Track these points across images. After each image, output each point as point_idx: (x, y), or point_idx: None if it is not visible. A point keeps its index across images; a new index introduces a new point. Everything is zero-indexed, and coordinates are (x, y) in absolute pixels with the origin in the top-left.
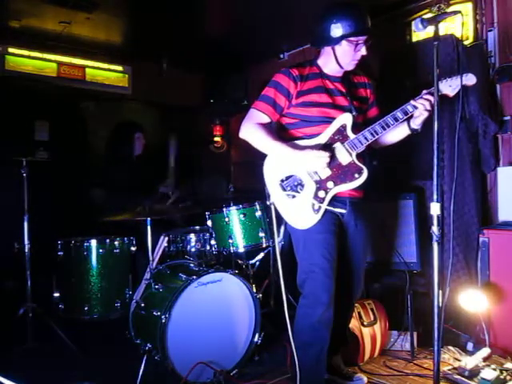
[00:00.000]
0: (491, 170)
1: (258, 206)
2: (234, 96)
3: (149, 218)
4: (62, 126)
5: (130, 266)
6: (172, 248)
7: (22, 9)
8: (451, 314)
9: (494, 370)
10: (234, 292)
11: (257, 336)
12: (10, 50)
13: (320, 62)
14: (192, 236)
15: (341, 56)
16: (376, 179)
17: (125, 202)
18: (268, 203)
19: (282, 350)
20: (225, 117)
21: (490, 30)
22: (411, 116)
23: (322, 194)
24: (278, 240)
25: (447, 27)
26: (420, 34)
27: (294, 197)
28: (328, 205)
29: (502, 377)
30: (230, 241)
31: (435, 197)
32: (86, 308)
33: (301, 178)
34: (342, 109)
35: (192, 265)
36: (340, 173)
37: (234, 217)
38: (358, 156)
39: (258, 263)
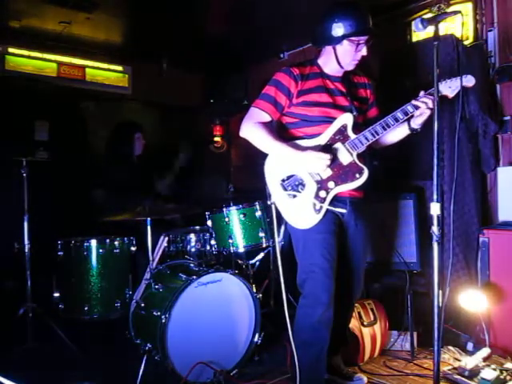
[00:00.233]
0: (491, 169)
1: (258, 206)
2: (234, 96)
3: (149, 218)
4: (62, 126)
5: (129, 266)
6: (172, 248)
7: (21, 9)
8: (451, 313)
9: (494, 369)
10: (234, 292)
11: (257, 336)
12: (10, 49)
13: (320, 61)
14: (192, 236)
15: (341, 56)
16: (376, 179)
17: (125, 202)
18: (269, 203)
19: (281, 350)
20: (225, 117)
21: (490, 30)
22: (411, 116)
23: (323, 193)
24: (278, 240)
25: (447, 27)
26: (420, 33)
27: (294, 196)
28: (329, 205)
29: (502, 377)
30: (230, 241)
31: (435, 197)
32: (85, 308)
33: (302, 178)
34: (343, 109)
35: (192, 265)
36: (341, 173)
37: (234, 217)
38: (359, 156)
39: (257, 263)
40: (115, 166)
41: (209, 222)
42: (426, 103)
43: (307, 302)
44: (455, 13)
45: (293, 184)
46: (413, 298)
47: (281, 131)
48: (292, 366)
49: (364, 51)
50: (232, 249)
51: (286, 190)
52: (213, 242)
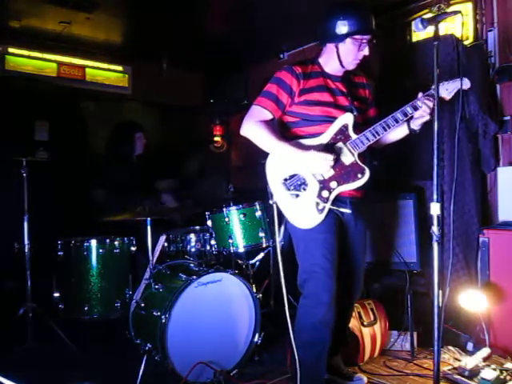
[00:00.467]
0: (491, 169)
1: (258, 206)
2: (234, 96)
3: (149, 218)
4: (62, 126)
5: (129, 266)
6: (172, 248)
7: (22, 9)
8: (451, 313)
9: (494, 369)
10: (234, 292)
11: (257, 336)
12: (10, 49)
13: (321, 60)
14: (192, 236)
15: (344, 54)
16: (376, 179)
17: (125, 202)
18: (271, 202)
19: (281, 350)
20: (225, 117)
21: (490, 30)
22: (411, 117)
23: (325, 193)
24: (279, 240)
25: (447, 27)
26: (420, 33)
27: (297, 196)
28: (331, 204)
29: (502, 377)
30: (230, 241)
31: (435, 197)
32: (86, 308)
33: (304, 178)
34: (344, 108)
35: (192, 265)
36: (343, 173)
37: (234, 217)
38: (360, 156)
39: (257, 263)
40: (115, 165)
41: (209, 222)
42: (427, 105)
43: (308, 302)
44: (455, 13)
45: (295, 184)
46: (413, 298)
47: (281, 130)
48: (292, 366)
49: (366, 51)
50: (232, 249)
51: (288, 189)
52: (213, 242)
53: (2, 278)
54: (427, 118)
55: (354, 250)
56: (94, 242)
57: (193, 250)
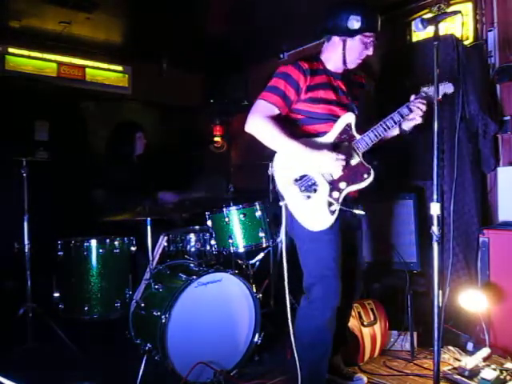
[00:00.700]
0: (491, 169)
1: (258, 206)
2: (234, 96)
3: (149, 218)
4: (62, 126)
5: (129, 266)
6: (172, 248)
7: (22, 9)
8: (451, 313)
9: (494, 369)
10: (234, 292)
11: (257, 336)
12: (10, 49)
13: (323, 57)
14: (192, 236)
15: (349, 51)
16: (376, 179)
17: (125, 202)
18: (281, 204)
19: (282, 350)
20: (225, 117)
21: (490, 30)
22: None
23: (335, 194)
24: (279, 240)
25: (447, 27)
26: (420, 33)
27: (308, 198)
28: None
29: (502, 377)
30: (230, 241)
31: (435, 197)
32: (86, 308)
33: (314, 178)
34: (345, 107)
35: (192, 265)
36: (351, 173)
37: (234, 217)
38: (363, 156)
39: (257, 263)
40: (115, 165)
41: (209, 222)
42: (419, 108)
43: (315, 305)
44: (455, 13)
45: (306, 184)
46: (413, 298)
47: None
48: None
49: (371, 51)
50: (232, 249)
51: (300, 190)
52: (213, 242)
53: (2, 277)
54: (419, 120)
55: (354, 249)
56: (93, 242)
57: (193, 249)
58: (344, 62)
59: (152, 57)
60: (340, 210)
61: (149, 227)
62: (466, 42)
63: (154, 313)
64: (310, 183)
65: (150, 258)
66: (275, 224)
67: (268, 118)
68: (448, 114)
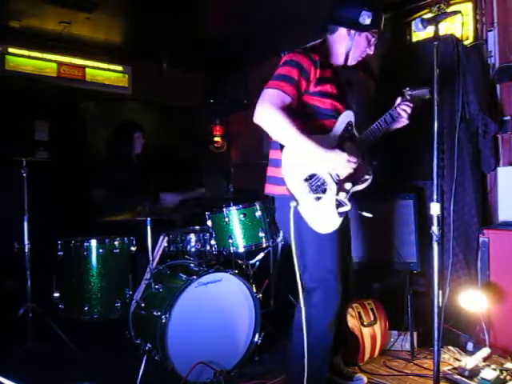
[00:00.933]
0: (491, 169)
1: (257, 206)
2: (234, 96)
3: (149, 218)
4: (62, 126)
5: (129, 266)
6: (172, 248)
7: (22, 9)
8: (451, 313)
9: (494, 369)
10: (234, 292)
11: (257, 336)
12: (10, 49)
13: (325, 50)
14: (192, 236)
15: (355, 46)
16: (376, 179)
17: (125, 202)
18: (292, 204)
19: (282, 350)
20: (225, 117)
21: (490, 30)
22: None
23: (342, 195)
24: (278, 240)
25: (447, 27)
26: (420, 33)
27: (318, 199)
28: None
29: (502, 377)
30: (230, 241)
31: (435, 197)
32: (86, 308)
33: (324, 178)
34: (346, 103)
35: (192, 265)
36: (354, 173)
37: (234, 217)
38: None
39: (257, 263)
40: (115, 165)
41: (209, 222)
42: (405, 111)
43: (316, 310)
44: (455, 13)
45: (316, 185)
46: (413, 298)
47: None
48: (290, 369)
49: (372, 49)
50: (232, 249)
51: (311, 190)
52: (213, 242)
53: (2, 277)
54: (406, 122)
55: (346, 249)
56: (93, 242)
57: (193, 250)
58: (346, 58)
59: (152, 57)
60: (366, 214)
61: (149, 227)
62: (466, 42)
63: (154, 313)
64: (319, 183)
65: (150, 258)
66: (275, 224)
67: (281, 110)
68: (448, 114)
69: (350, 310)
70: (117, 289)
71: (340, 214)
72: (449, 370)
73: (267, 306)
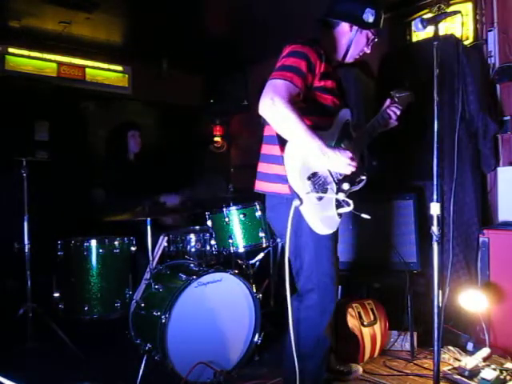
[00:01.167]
0: (491, 170)
1: (257, 206)
2: (234, 96)
3: (149, 218)
4: (62, 126)
5: (130, 266)
6: (172, 248)
7: (21, 9)
8: (451, 313)
9: (494, 369)
10: (233, 292)
11: (257, 336)
12: (10, 50)
13: (325, 45)
14: (192, 236)
15: (355, 43)
16: (376, 179)
17: (125, 202)
18: (296, 204)
19: (282, 350)
20: (225, 117)
21: (490, 30)
22: None
23: (341, 195)
24: (278, 240)
25: (447, 27)
26: (420, 33)
27: (320, 199)
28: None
29: (502, 377)
30: (230, 241)
31: (435, 197)
32: (86, 308)
33: (325, 177)
34: (343, 101)
35: (192, 265)
36: (351, 173)
37: (234, 217)
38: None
39: (257, 263)
40: (112, 165)
41: (209, 222)
42: (394, 112)
43: (312, 313)
44: (455, 13)
45: (318, 183)
46: (413, 298)
47: None
48: (286, 371)
49: (369, 48)
50: (232, 249)
51: (315, 189)
52: (213, 242)
53: (2, 277)
54: (395, 123)
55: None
56: (93, 242)
57: (193, 250)
58: (345, 54)
59: (152, 57)
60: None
61: (149, 227)
62: (466, 42)
63: (154, 313)
64: (320, 182)
65: (150, 258)
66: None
67: (288, 102)
68: (448, 114)
69: (349, 309)
70: (117, 289)
71: (339, 215)
72: (449, 370)
73: (267, 306)
